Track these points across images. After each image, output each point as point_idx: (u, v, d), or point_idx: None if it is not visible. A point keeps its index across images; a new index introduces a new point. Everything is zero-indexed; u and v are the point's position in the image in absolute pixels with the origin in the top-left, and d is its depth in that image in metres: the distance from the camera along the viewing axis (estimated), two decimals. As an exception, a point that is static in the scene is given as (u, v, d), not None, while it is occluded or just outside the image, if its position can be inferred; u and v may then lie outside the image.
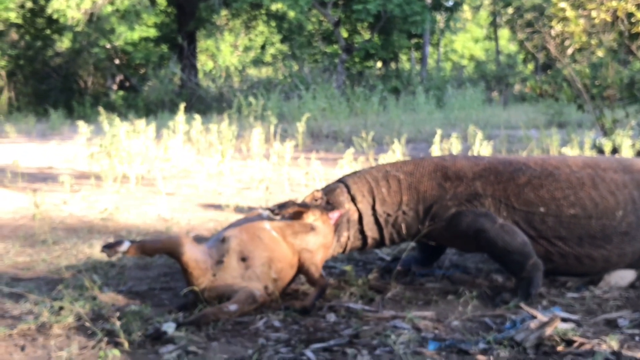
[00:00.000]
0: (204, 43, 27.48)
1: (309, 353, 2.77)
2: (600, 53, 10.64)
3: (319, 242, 3.49)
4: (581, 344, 2.78)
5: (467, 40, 35.16)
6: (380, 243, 3.79)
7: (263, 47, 27.11)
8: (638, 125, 8.55)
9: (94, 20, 19.79)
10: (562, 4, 9.90)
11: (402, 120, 13.17)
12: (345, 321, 3.17)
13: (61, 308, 3.20)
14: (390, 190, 3.74)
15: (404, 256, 3.98)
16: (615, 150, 7.53)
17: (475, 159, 3.85)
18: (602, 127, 8.87)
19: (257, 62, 26.18)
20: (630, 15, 9.85)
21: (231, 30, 27.72)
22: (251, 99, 13.08)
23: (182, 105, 9.42)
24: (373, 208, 3.73)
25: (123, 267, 4.17)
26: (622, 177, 3.74)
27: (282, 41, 24.60)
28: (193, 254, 3.20)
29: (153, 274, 4.05)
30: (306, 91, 15.89)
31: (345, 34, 22.97)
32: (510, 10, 27.20)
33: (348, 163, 6.64)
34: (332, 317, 3.23)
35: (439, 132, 7.82)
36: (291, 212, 3.50)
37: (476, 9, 34.68)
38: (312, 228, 3.48)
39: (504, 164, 3.78)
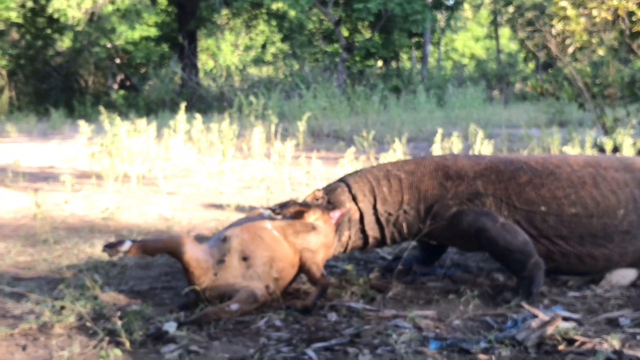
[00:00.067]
0: (204, 42, 27.49)
1: (310, 352, 2.77)
2: (601, 52, 10.64)
3: (320, 241, 3.49)
4: (582, 343, 2.78)
5: (468, 39, 35.15)
6: (381, 242, 3.79)
7: (264, 46, 27.12)
8: (639, 123, 8.55)
9: (95, 19, 19.79)
10: (563, 3, 9.90)
11: (403, 119, 13.17)
12: (347, 320, 3.17)
13: (62, 307, 3.20)
14: (391, 189, 3.73)
15: (405, 255, 3.98)
16: (616, 149, 7.53)
17: (476, 158, 3.85)
18: (603, 126, 8.87)
19: (258, 61, 26.18)
20: (631, 13, 9.85)
21: (232, 29, 27.71)
22: (252, 98, 13.08)
23: (182, 105, 9.42)
24: (374, 207, 3.72)
25: (124, 266, 4.17)
26: (623, 175, 3.74)
27: (283, 40, 24.59)
28: (194, 254, 3.20)
29: (154, 274, 4.05)
30: (307, 90, 15.88)
31: (345, 33, 22.96)
32: (511, 9, 27.19)
33: (349, 162, 6.64)
34: (333, 316, 3.23)
35: (439, 131, 7.82)
36: (292, 212, 3.50)
37: (477, 7, 34.68)
38: (313, 227, 3.48)
39: (505, 163, 3.78)
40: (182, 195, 6.60)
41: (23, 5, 20.27)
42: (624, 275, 3.70)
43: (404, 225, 3.72)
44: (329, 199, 3.72)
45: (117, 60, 21.71)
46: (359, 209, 3.72)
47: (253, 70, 24.94)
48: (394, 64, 24.56)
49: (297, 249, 3.41)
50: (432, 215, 3.67)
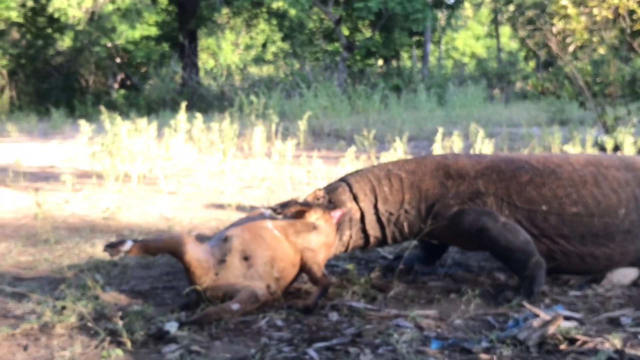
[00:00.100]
0: (205, 41, 27.51)
1: (311, 352, 2.77)
2: (601, 50, 10.64)
3: (321, 241, 3.49)
4: (584, 343, 2.78)
5: (469, 38, 35.16)
6: (382, 242, 3.79)
7: (264, 46, 27.13)
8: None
9: (95, 19, 19.80)
10: (564, 2, 9.90)
11: (403, 118, 13.17)
12: (348, 320, 3.17)
13: (64, 308, 3.20)
14: (392, 189, 3.73)
15: (406, 255, 3.98)
16: (617, 148, 7.53)
17: (477, 158, 3.85)
18: (603, 125, 8.87)
19: (259, 60, 26.19)
20: (631, 12, 9.85)
21: (232, 28, 27.73)
22: (252, 97, 13.08)
23: (183, 104, 9.43)
24: (375, 207, 3.72)
25: (125, 266, 4.17)
26: (625, 175, 3.74)
27: (283, 39, 24.60)
28: (195, 253, 3.20)
29: (155, 273, 4.05)
30: (307, 89, 15.88)
31: (346, 32, 22.96)
32: (511, 7, 27.18)
33: (350, 161, 6.64)
34: (334, 316, 3.23)
35: (440, 130, 7.82)
36: (293, 211, 3.50)
37: (477, 6, 34.68)
38: (314, 227, 3.48)
39: (506, 162, 3.77)
40: (182, 194, 6.60)
41: (23, 5, 20.28)
42: (625, 275, 3.69)
43: (405, 224, 3.72)
44: (330, 198, 3.71)
45: (118, 60, 21.72)
46: (360, 209, 3.71)
47: (254, 70, 24.95)
48: (394, 63, 24.57)
49: (298, 248, 3.41)
50: (433, 214, 3.67)
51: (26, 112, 17.92)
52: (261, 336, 2.96)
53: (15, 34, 21.24)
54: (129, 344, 2.81)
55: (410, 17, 20.25)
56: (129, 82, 22.29)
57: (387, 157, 6.87)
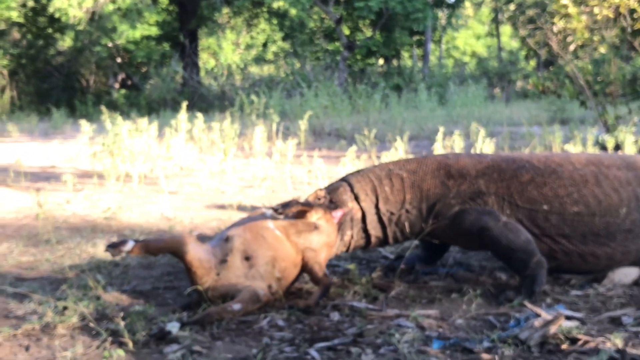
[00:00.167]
0: (205, 41, 27.52)
1: (313, 352, 2.77)
2: (602, 49, 10.64)
3: (323, 241, 3.49)
4: (585, 342, 2.78)
5: (469, 37, 35.16)
6: (383, 242, 3.79)
7: (265, 45, 27.14)
8: (640, 121, 8.55)
9: (96, 18, 19.80)
10: (564, 1, 9.89)
11: (404, 118, 13.17)
12: (349, 320, 3.17)
13: (65, 308, 3.20)
14: (393, 188, 3.73)
15: (407, 254, 3.98)
16: (618, 147, 7.53)
17: (478, 157, 3.85)
18: (604, 124, 8.87)
19: (259, 60, 26.20)
20: (632, 11, 9.85)
21: (233, 28, 27.74)
22: (253, 97, 13.08)
23: (184, 104, 9.43)
24: (376, 207, 3.72)
25: (127, 266, 4.17)
26: (626, 174, 3.73)
27: (284, 39, 24.61)
28: (197, 253, 3.20)
29: (157, 273, 4.05)
30: (308, 89, 15.88)
31: (347, 32, 22.96)
32: (512, 6, 27.18)
33: (350, 161, 6.64)
34: (336, 316, 3.23)
35: (441, 129, 7.82)
36: (295, 211, 3.50)
37: (478, 5, 34.66)
38: (315, 227, 3.48)
39: (507, 161, 3.77)
40: (183, 194, 6.60)
41: (24, 5, 20.29)
42: (626, 274, 3.69)
43: (406, 224, 3.72)
44: (331, 198, 3.71)
45: (119, 60, 21.72)
46: (361, 209, 3.71)
47: (254, 69, 24.95)
48: (395, 62, 24.56)
49: (300, 248, 3.41)
50: (434, 214, 3.67)
51: (27, 112, 17.92)
52: (263, 336, 2.96)
53: (16, 34, 21.25)
54: (130, 345, 2.81)
55: (411, 16, 20.25)
56: (129, 82, 22.29)
57: (388, 156, 6.87)
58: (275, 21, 24.46)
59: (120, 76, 22.62)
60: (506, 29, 32.33)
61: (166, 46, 22.66)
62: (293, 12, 22.18)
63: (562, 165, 3.73)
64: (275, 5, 23.31)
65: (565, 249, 3.63)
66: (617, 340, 2.76)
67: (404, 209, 3.71)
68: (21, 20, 20.75)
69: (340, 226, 3.67)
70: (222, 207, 5.92)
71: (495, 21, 30.11)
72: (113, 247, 3.14)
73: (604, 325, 3.08)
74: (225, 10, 24.23)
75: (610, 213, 3.63)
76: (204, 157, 8.41)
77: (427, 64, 23.86)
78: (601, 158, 3.85)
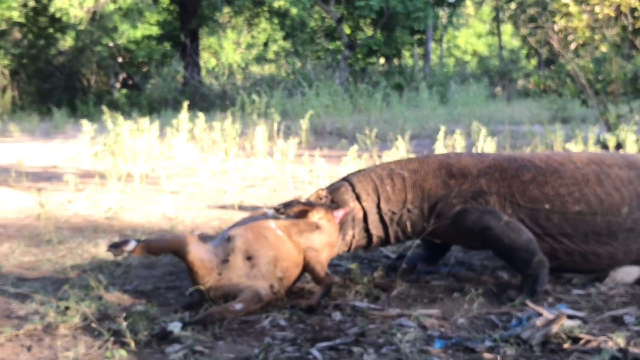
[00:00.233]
0: (206, 41, 27.51)
1: (315, 352, 2.77)
2: (603, 48, 10.64)
3: (324, 240, 3.49)
4: (587, 341, 2.78)
5: (470, 36, 35.13)
6: (385, 241, 3.79)
7: (266, 44, 27.13)
8: (642, 120, 8.54)
9: (97, 18, 19.80)
10: (566, -1, 9.88)
11: (405, 117, 13.16)
12: (351, 320, 3.17)
13: (67, 308, 3.20)
14: (394, 188, 3.73)
15: (409, 254, 3.98)
16: (619, 146, 7.53)
17: (479, 156, 3.85)
18: (606, 123, 8.86)
19: (260, 59, 26.19)
20: (633, 10, 9.84)
21: (234, 27, 27.74)
22: (254, 96, 13.08)
23: (185, 103, 9.43)
24: (378, 206, 3.72)
25: (128, 266, 4.17)
26: (627, 173, 3.73)
27: (285, 38, 24.61)
28: (198, 253, 3.20)
29: (158, 273, 4.05)
30: (309, 88, 15.87)
31: (347, 31, 22.96)
32: (513, 5, 27.15)
33: (352, 160, 6.63)
34: (337, 315, 3.23)
35: (442, 128, 7.81)
36: (296, 211, 3.50)
37: (479, 4, 34.63)
38: (317, 227, 3.48)
39: (509, 161, 3.77)
40: (185, 194, 6.60)
41: (25, 5, 20.29)
42: (628, 273, 3.69)
43: (408, 224, 3.72)
44: (332, 198, 3.72)
45: (120, 59, 21.73)
46: (363, 208, 3.72)
47: (255, 69, 24.94)
48: (396, 62, 24.54)
49: (301, 248, 3.42)
50: (436, 213, 3.67)
51: (28, 112, 17.92)
52: (264, 336, 2.96)
53: (17, 34, 21.25)
54: (132, 344, 2.81)
55: (412, 15, 20.23)
56: (130, 82, 22.29)
57: (389, 155, 6.87)
58: (276, 20, 24.46)
59: (122, 76, 22.62)
60: (507, 28, 32.30)
61: (167, 46, 22.66)
62: (294, 11, 22.18)
63: (563, 164, 3.73)
64: (276, 4, 23.31)
65: (567, 248, 3.63)
66: (619, 340, 2.76)
67: (405, 208, 3.71)
68: (22, 20, 20.75)
69: (342, 226, 3.67)
70: (223, 206, 5.92)
71: (496, 20, 30.08)
72: (115, 247, 3.14)
73: (606, 324, 3.08)
74: (226, 9, 24.22)
75: (612, 212, 3.63)
76: (206, 157, 8.41)
77: (428, 63, 23.85)
78: (603, 157, 3.84)
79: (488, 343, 2.81)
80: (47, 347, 2.88)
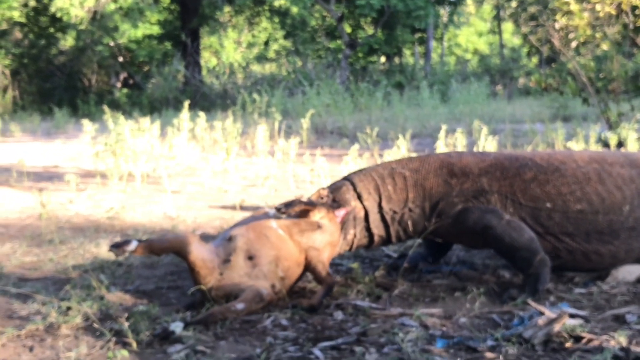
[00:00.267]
0: (207, 40, 27.50)
1: (317, 351, 2.77)
2: (604, 46, 10.63)
3: (326, 240, 3.49)
4: (589, 340, 2.78)
5: (471, 34, 35.10)
6: (386, 240, 3.79)
7: (266, 43, 27.13)
8: (643, 118, 8.52)
9: (98, 18, 19.80)
10: (567, -2, 9.88)
11: (406, 116, 13.15)
12: (353, 319, 3.17)
13: (69, 308, 3.20)
14: (396, 187, 3.73)
15: (410, 253, 3.98)
16: (620, 144, 7.52)
17: (481, 155, 3.85)
18: (607, 121, 8.85)
19: (261, 58, 26.17)
20: (634, 8, 9.84)
21: (234, 26, 27.73)
22: (255, 95, 13.07)
23: (186, 103, 9.42)
24: (379, 205, 3.72)
25: (130, 266, 4.17)
26: (629, 171, 3.73)
27: (286, 37, 24.61)
28: (200, 253, 3.20)
29: (160, 273, 4.05)
30: (310, 87, 15.87)
31: (348, 29, 22.95)
32: (513, 3, 27.13)
33: (353, 159, 6.63)
34: (339, 315, 3.23)
35: (443, 127, 7.80)
36: (298, 210, 3.50)
37: (480, 2, 34.61)
38: (318, 226, 3.48)
39: (510, 159, 3.77)
40: (186, 194, 6.61)
41: (26, 5, 20.29)
42: (630, 272, 3.69)
43: (409, 223, 3.72)
44: (334, 197, 3.71)
45: (120, 59, 21.72)
46: (364, 207, 3.72)
47: (256, 68, 24.92)
48: (397, 60, 24.53)
49: (303, 247, 3.42)
50: (437, 212, 3.67)
51: (29, 112, 17.92)
52: (266, 335, 2.96)
53: (17, 34, 21.26)
54: (134, 345, 2.81)
55: (413, 14, 20.22)
56: (131, 81, 22.29)
57: (390, 154, 6.86)
58: (276, 19, 24.45)
59: (122, 75, 22.61)
60: (508, 26, 32.27)
61: (168, 45, 22.66)
62: (294, 10, 22.19)
63: (565, 162, 3.72)
64: (276, 3, 23.32)
65: (569, 247, 3.63)
66: (621, 338, 2.76)
67: (406, 207, 3.71)
68: (23, 20, 20.75)
69: (343, 225, 3.67)
70: (224, 206, 5.92)
71: (497, 18, 30.05)
72: (117, 247, 3.14)
73: (608, 323, 3.08)
74: (227, 8, 24.22)
75: (613, 211, 3.63)
76: (207, 156, 8.40)
77: (429, 61, 23.84)
78: (604, 155, 3.84)
79: (490, 342, 2.81)
80: (49, 347, 2.88)
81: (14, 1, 19.55)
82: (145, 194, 6.59)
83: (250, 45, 28.59)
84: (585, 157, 3.79)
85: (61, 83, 21.25)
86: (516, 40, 31.08)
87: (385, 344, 2.84)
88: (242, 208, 5.72)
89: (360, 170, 3.88)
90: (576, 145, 7.26)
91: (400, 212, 3.71)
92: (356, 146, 6.92)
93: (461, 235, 3.71)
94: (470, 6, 34.84)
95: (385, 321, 3.12)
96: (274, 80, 19.63)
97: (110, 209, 5.62)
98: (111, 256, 4.20)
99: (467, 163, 3.74)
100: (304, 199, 3.61)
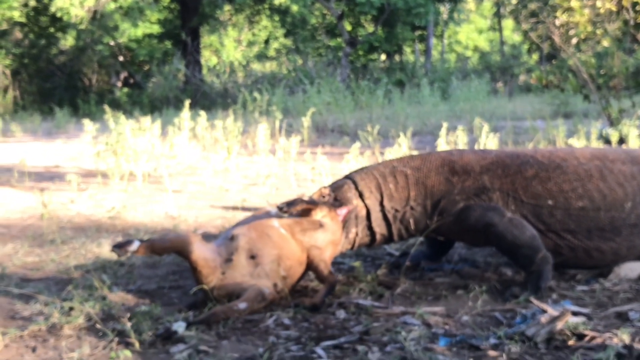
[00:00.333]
0: (207, 39, 27.49)
1: (319, 350, 2.77)
2: (605, 42, 10.61)
3: (328, 238, 3.49)
4: (592, 338, 2.77)
5: (471, 32, 35.07)
6: (388, 239, 3.79)
7: (267, 42, 27.11)
8: (644, 114, 8.51)
9: (98, 17, 19.80)
10: (567, -6, 9.87)
11: (407, 113, 13.14)
12: (355, 318, 3.17)
13: (71, 309, 3.20)
14: (397, 185, 3.73)
15: (412, 251, 3.98)
16: (622, 140, 7.51)
17: (482, 153, 3.84)
18: (608, 117, 8.84)
19: (261, 56, 26.17)
20: (635, 4, 9.82)
21: (235, 25, 27.71)
22: (256, 94, 13.06)
23: (187, 102, 9.41)
24: (381, 204, 3.72)
25: (132, 266, 4.17)
26: (631, 168, 3.73)
27: (286, 35, 24.59)
28: (202, 253, 3.20)
29: (162, 273, 4.05)
30: (311, 85, 15.86)
31: (348, 27, 22.94)
32: (514, 0, 27.09)
33: (354, 157, 6.63)
34: (341, 313, 3.23)
35: (444, 124, 7.80)
36: (299, 209, 3.50)
37: (480, -1, 34.57)
38: (320, 225, 3.48)
39: (511, 157, 3.77)
40: (187, 193, 6.60)
41: (26, 4, 20.29)
42: (632, 269, 3.69)
43: (411, 221, 3.72)
44: (335, 196, 3.71)
45: (121, 58, 21.72)
46: (366, 206, 3.71)
47: (256, 66, 24.91)
48: (397, 58, 24.52)
49: (305, 246, 3.41)
50: (439, 211, 3.67)
51: (30, 112, 17.92)
52: (269, 335, 2.96)
53: (18, 34, 21.25)
54: (137, 345, 2.82)
55: (413, 11, 20.21)
56: (132, 81, 22.29)
57: (392, 152, 6.86)
58: (276, 18, 24.44)
59: (123, 75, 22.61)
60: (508, 23, 32.23)
61: (168, 44, 22.66)
62: (294, 8, 22.17)
63: (566, 160, 3.72)
64: (276, 1, 23.30)
65: (571, 244, 3.63)
66: (624, 336, 2.75)
67: (408, 206, 3.71)
68: (23, 19, 20.75)
69: (345, 224, 3.67)
70: (226, 205, 5.92)
71: (498, 15, 30.01)
72: (119, 247, 3.14)
73: (611, 320, 3.08)
74: (227, 7, 24.21)
75: (615, 207, 3.62)
76: (208, 155, 8.40)
77: (430, 59, 23.83)
78: (605, 152, 3.84)
79: (492, 340, 2.81)
80: (52, 347, 2.88)
81: (14, 1, 19.55)
82: (146, 193, 6.59)
83: (251, 44, 28.58)
84: (586, 154, 3.79)
85: (62, 83, 21.25)
86: (517, 37, 31.05)
87: (387, 342, 2.84)
88: (244, 207, 5.71)
89: (362, 169, 3.88)
90: (577, 142, 7.26)
91: (402, 210, 3.71)
92: (357, 144, 6.92)
93: (463, 233, 3.71)
94: (470, 3, 34.80)
95: (387, 320, 3.12)
96: (275, 79, 19.62)
97: (112, 209, 5.62)
98: (113, 256, 4.20)
99: (469, 161, 3.74)
100: (306, 198, 3.60)
